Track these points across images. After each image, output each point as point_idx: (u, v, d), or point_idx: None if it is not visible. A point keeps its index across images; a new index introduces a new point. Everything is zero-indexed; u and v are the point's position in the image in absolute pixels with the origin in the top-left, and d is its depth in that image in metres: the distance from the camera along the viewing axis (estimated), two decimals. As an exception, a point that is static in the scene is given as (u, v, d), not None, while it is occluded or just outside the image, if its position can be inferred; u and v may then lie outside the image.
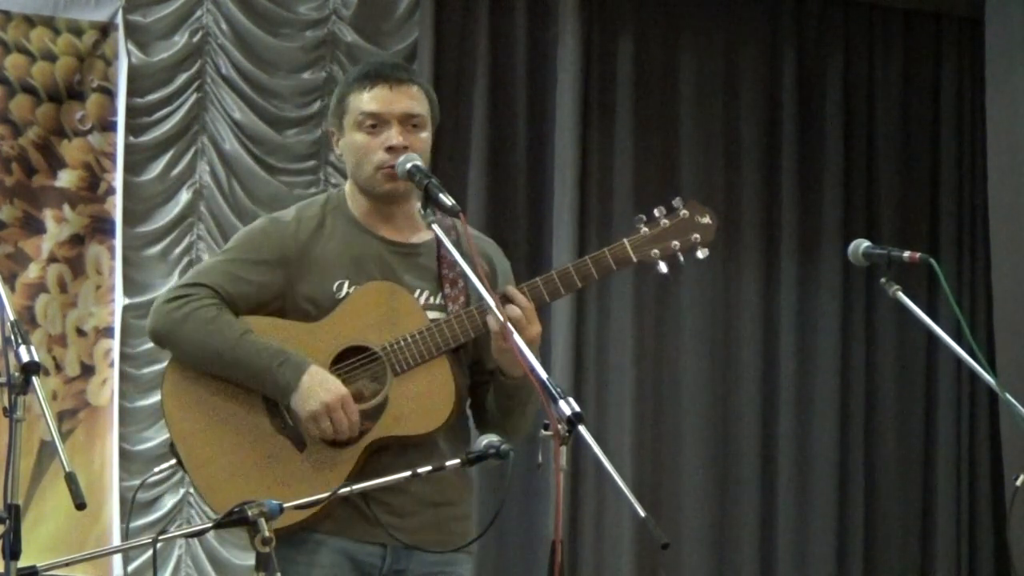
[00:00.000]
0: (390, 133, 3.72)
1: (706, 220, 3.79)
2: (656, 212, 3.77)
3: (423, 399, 3.66)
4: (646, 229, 3.75)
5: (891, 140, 8.23)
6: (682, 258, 3.79)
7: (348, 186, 3.83)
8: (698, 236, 3.78)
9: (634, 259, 3.74)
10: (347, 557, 3.64)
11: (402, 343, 3.65)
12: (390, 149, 3.71)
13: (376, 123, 3.73)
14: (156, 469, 3.82)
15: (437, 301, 3.74)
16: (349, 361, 3.67)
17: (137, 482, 6.87)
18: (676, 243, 3.76)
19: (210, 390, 3.65)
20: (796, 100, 8.07)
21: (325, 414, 3.59)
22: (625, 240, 3.75)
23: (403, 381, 3.65)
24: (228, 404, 3.65)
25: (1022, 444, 6.73)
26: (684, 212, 3.78)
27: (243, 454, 3.62)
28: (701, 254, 3.79)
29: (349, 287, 3.70)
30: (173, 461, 3.71)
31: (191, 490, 6.85)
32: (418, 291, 3.74)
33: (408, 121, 3.74)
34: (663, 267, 3.76)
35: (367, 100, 3.74)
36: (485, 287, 3.52)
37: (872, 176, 8.21)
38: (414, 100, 3.76)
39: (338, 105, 3.80)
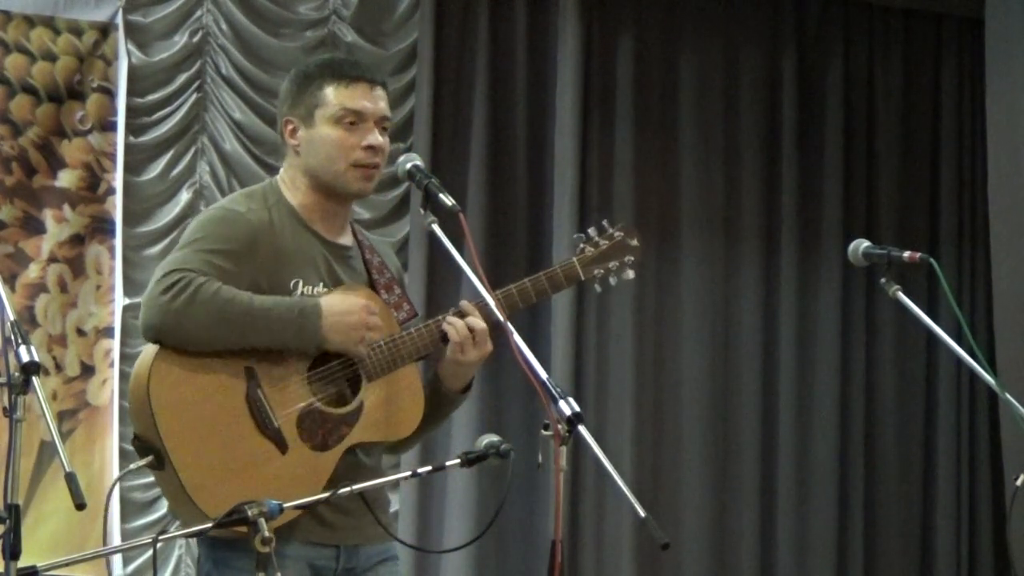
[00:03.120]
0: (370, 133, 3.73)
1: (635, 243, 3.96)
2: (591, 232, 3.93)
3: (397, 405, 3.72)
4: (590, 248, 3.91)
5: (891, 140, 8.24)
6: (613, 280, 3.95)
7: (285, 176, 3.82)
8: (631, 258, 3.95)
9: (582, 277, 3.91)
10: (307, 565, 3.67)
11: (376, 349, 3.69)
12: (369, 148, 3.72)
13: (355, 121, 3.73)
14: (132, 465, 3.73)
15: None
16: (327, 365, 3.70)
17: (138, 482, 6.87)
18: (614, 264, 3.93)
19: (196, 390, 3.62)
20: (796, 100, 8.08)
21: (363, 327, 3.64)
22: (574, 259, 3.91)
23: (377, 386, 3.70)
24: (213, 404, 3.62)
25: (1022, 444, 6.73)
26: (618, 234, 3.95)
27: (229, 454, 3.61)
28: (628, 276, 3.95)
29: (304, 286, 3.70)
30: (149, 458, 3.64)
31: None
32: None
33: (381, 123, 3.77)
34: (599, 288, 3.95)
35: (349, 96, 3.74)
36: (486, 288, 3.53)
37: (872, 176, 8.21)
38: (387, 104, 3.81)
39: (307, 95, 3.77)
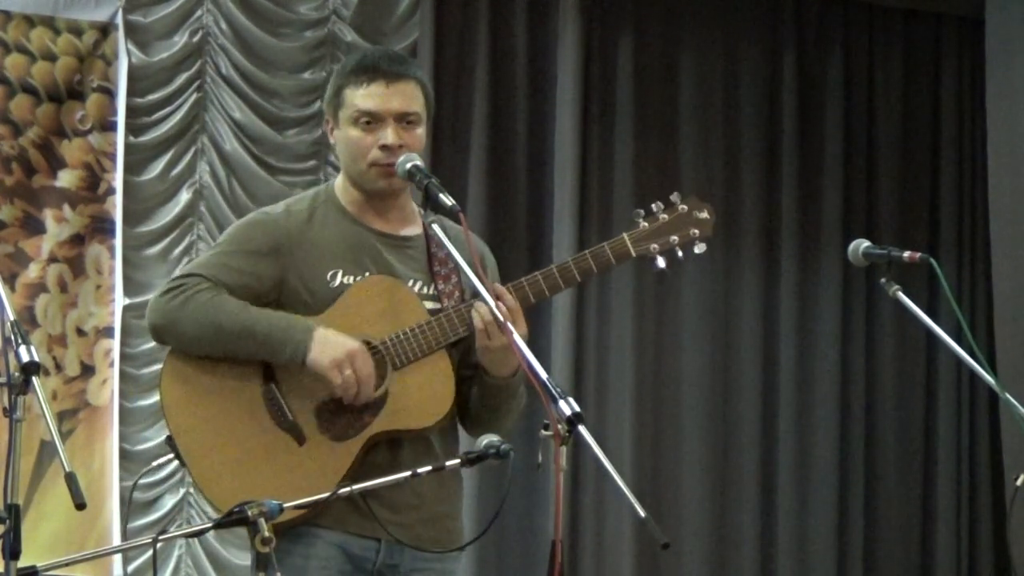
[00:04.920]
0: (385, 132, 3.71)
1: (704, 215, 3.81)
2: (654, 207, 3.79)
3: (424, 393, 3.67)
4: (645, 224, 3.77)
5: (891, 140, 8.23)
6: (680, 253, 3.79)
7: (339, 179, 3.84)
8: (696, 231, 3.80)
9: (633, 253, 3.75)
10: (342, 550, 3.65)
11: (402, 337, 3.66)
12: (385, 148, 3.71)
13: (371, 120, 3.72)
14: (154, 463, 3.79)
15: (430, 291, 3.76)
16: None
17: (138, 482, 6.87)
18: (675, 238, 3.78)
19: (209, 385, 3.65)
20: (796, 100, 8.07)
21: (348, 361, 3.59)
22: (624, 235, 3.76)
23: (404, 375, 3.66)
24: (227, 399, 3.65)
25: (1022, 444, 6.73)
26: (683, 207, 3.80)
27: (242, 448, 3.63)
28: (698, 249, 3.80)
29: (344, 276, 3.71)
30: (171, 456, 3.70)
31: (191, 490, 6.84)
32: (411, 281, 3.75)
33: (403, 119, 3.74)
34: (661, 262, 3.77)
35: (363, 97, 3.73)
36: (482, 282, 3.52)
37: (872, 176, 8.21)
38: (409, 98, 3.75)
39: (334, 97, 3.79)
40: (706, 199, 3.88)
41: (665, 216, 3.78)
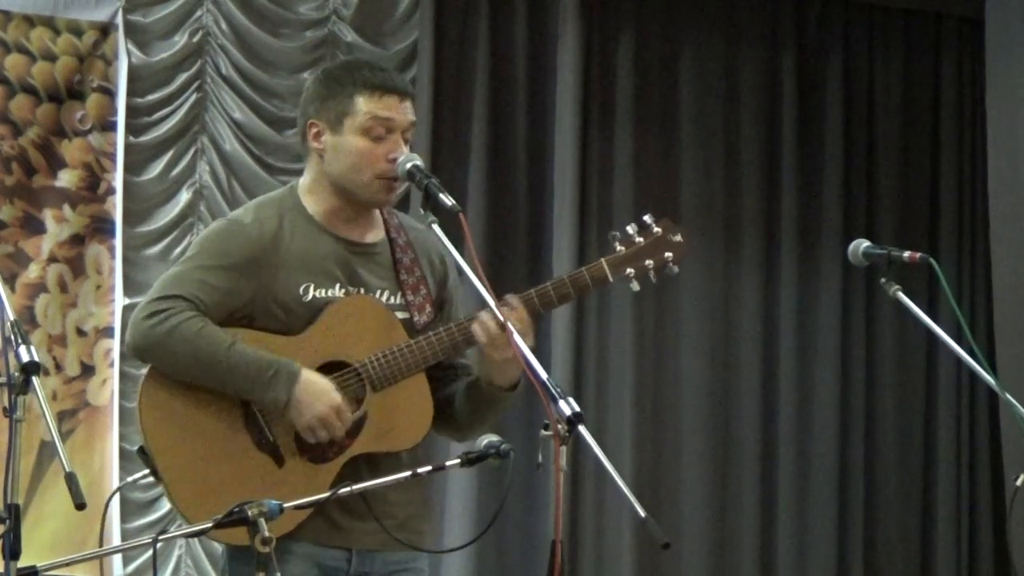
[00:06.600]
0: (395, 144, 3.71)
1: (678, 238, 3.82)
2: (629, 229, 3.80)
3: (402, 415, 3.68)
4: (622, 248, 3.78)
5: (891, 140, 8.23)
6: (654, 277, 3.81)
7: (306, 182, 3.80)
8: (670, 255, 3.80)
9: (611, 278, 3.77)
10: (314, 563, 3.65)
11: (382, 359, 3.66)
12: (394, 160, 3.70)
13: (383, 132, 3.71)
14: (130, 478, 3.78)
15: (398, 301, 3.76)
16: (330, 376, 3.67)
17: (138, 482, 6.87)
18: (650, 262, 3.79)
19: (188, 403, 3.63)
20: (796, 100, 8.07)
21: (321, 426, 3.61)
22: (602, 260, 3.77)
23: (382, 397, 3.67)
24: (206, 418, 3.63)
25: (1022, 444, 6.73)
26: (657, 230, 3.81)
27: (220, 468, 3.62)
28: (673, 271, 3.82)
29: (315, 290, 3.69)
30: (144, 472, 3.71)
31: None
32: (379, 291, 3.75)
33: (407, 132, 3.76)
34: (636, 285, 3.80)
35: (382, 108, 3.71)
36: (486, 288, 3.52)
37: (872, 176, 8.21)
38: (413, 113, 3.79)
39: (337, 101, 3.74)
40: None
41: (640, 240, 3.79)
